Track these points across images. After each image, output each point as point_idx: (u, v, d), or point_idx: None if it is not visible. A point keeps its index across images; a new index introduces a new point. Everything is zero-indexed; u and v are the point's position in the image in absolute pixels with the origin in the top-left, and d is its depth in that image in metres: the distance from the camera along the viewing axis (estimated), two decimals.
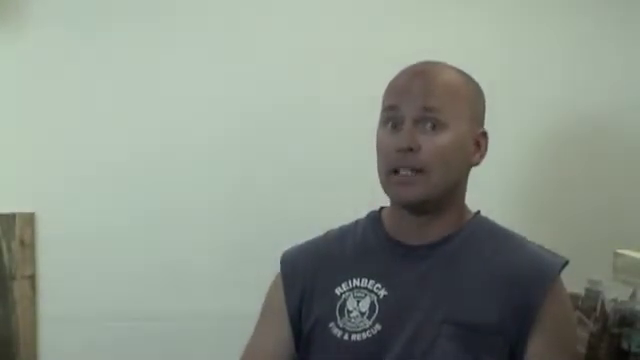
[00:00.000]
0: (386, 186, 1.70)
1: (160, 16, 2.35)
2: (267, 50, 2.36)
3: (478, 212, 1.77)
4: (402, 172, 1.66)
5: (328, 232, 1.82)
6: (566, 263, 1.68)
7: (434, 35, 2.35)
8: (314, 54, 2.36)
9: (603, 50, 2.42)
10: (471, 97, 1.71)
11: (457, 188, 1.72)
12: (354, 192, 2.22)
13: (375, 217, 1.78)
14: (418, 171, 1.65)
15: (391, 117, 1.69)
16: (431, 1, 2.40)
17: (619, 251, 1.96)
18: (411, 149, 1.64)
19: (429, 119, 1.65)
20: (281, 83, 2.35)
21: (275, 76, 2.35)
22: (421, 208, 1.69)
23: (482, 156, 1.72)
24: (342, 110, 2.33)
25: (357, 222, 1.80)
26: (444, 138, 1.66)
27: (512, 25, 2.40)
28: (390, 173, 1.67)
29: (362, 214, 1.81)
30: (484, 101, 1.75)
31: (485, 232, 1.73)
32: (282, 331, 1.75)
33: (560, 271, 1.67)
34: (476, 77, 1.75)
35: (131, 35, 2.34)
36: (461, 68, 1.75)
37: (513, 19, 2.41)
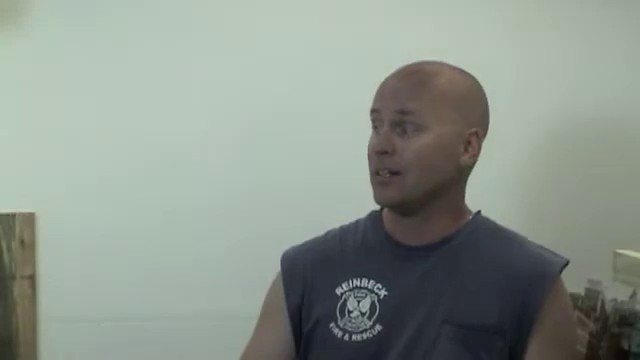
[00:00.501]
0: (372, 187, 1.70)
1: (162, 16, 2.35)
2: (269, 53, 2.36)
3: (478, 212, 1.77)
4: (381, 174, 1.67)
5: (328, 232, 1.82)
6: (567, 263, 1.68)
7: (434, 35, 2.35)
8: (315, 56, 2.36)
9: (604, 50, 2.42)
10: (460, 97, 1.69)
11: (447, 189, 1.70)
12: (354, 193, 2.21)
13: (376, 217, 1.78)
14: (395, 173, 1.66)
15: (374, 120, 1.70)
16: (431, 2, 2.40)
17: (619, 251, 1.95)
18: (386, 152, 1.65)
19: (406, 122, 1.65)
20: (281, 87, 2.35)
21: (276, 80, 2.35)
22: (403, 210, 1.69)
23: (473, 156, 1.70)
24: (342, 110, 2.33)
25: (357, 222, 1.80)
26: (421, 141, 1.65)
27: (512, 25, 2.40)
28: (372, 175, 1.69)
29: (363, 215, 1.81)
30: (480, 100, 1.73)
31: (485, 232, 1.73)
32: (282, 331, 1.75)
33: (561, 271, 1.67)
34: (476, 77, 1.75)
35: (132, 35, 2.34)
36: (460, 68, 1.74)
37: (513, 19, 2.41)
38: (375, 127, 1.69)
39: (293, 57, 2.36)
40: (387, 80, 1.71)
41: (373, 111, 1.70)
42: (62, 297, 2.33)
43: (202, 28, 2.35)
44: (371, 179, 1.69)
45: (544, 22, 2.40)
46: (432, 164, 1.66)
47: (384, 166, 1.66)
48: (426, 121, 1.65)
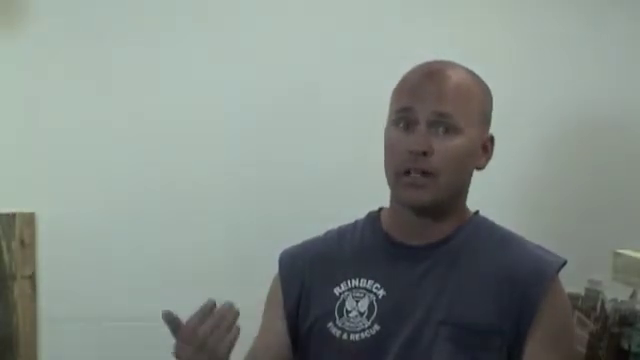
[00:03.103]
0: (395, 187, 1.69)
1: (161, 15, 2.35)
2: (269, 50, 2.36)
3: (477, 212, 1.77)
4: (412, 174, 1.65)
5: (327, 232, 1.81)
6: (564, 263, 1.68)
7: (434, 35, 2.35)
8: (315, 54, 2.36)
9: (605, 50, 2.42)
10: (482, 99, 1.71)
11: (462, 191, 1.72)
12: (353, 193, 2.23)
13: (374, 217, 1.78)
14: (428, 174, 1.65)
15: (403, 118, 1.67)
16: (431, 1, 2.40)
17: (619, 251, 1.96)
18: (425, 153, 1.64)
19: (442, 123, 1.65)
20: (283, 84, 2.35)
21: (275, 76, 2.35)
22: (428, 211, 1.69)
23: (488, 160, 1.72)
24: (342, 110, 2.34)
25: (356, 222, 1.80)
26: (456, 142, 1.65)
27: (513, 25, 2.41)
28: (400, 174, 1.67)
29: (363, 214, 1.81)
30: (492, 101, 1.74)
31: (484, 232, 1.73)
32: (282, 332, 1.74)
33: (558, 270, 1.67)
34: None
35: (132, 34, 2.34)
36: (470, 69, 1.74)
37: (514, 19, 2.41)
38: (405, 125, 1.67)
39: (295, 53, 2.36)
40: (413, 78, 1.69)
41: (404, 109, 1.67)
42: (62, 297, 2.33)
43: (201, 27, 2.36)
44: (397, 179, 1.67)
45: (544, 21, 2.40)
46: (462, 166, 1.67)
47: (418, 166, 1.64)
48: (461, 123, 1.65)
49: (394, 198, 1.72)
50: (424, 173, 1.64)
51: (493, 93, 1.77)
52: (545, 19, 2.41)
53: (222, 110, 2.36)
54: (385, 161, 1.70)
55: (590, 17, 2.42)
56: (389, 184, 1.70)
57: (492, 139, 1.73)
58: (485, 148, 1.71)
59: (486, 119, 1.72)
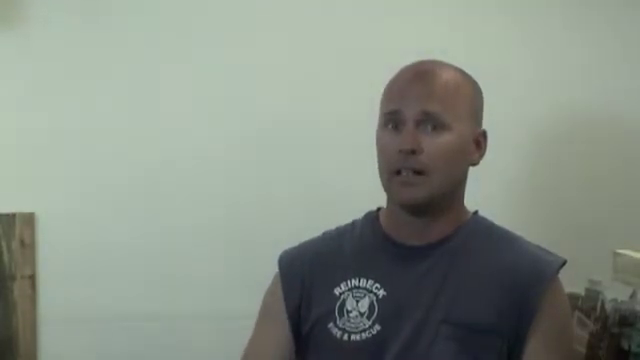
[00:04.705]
0: (388, 187, 1.70)
1: (162, 17, 2.35)
2: (268, 60, 2.35)
3: (476, 212, 1.77)
4: (404, 173, 1.66)
5: (325, 233, 1.82)
6: (564, 263, 1.69)
7: (435, 35, 2.35)
8: (314, 55, 2.36)
9: (603, 50, 2.42)
10: (470, 96, 1.72)
11: (457, 188, 1.72)
12: (354, 194, 2.22)
13: (373, 217, 1.78)
14: (419, 173, 1.66)
15: (392, 120, 1.69)
16: (431, 2, 2.40)
17: (619, 251, 1.95)
18: (414, 151, 1.65)
19: (430, 121, 1.66)
20: (281, 95, 2.35)
21: (276, 88, 2.35)
22: (423, 209, 1.69)
23: (481, 156, 1.73)
24: (342, 110, 2.34)
25: (354, 222, 1.80)
26: (445, 139, 1.66)
27: (513, 25, 2.41)
28: (392, 174, 1.68)
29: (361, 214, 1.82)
30: (482, 99, 1.75)
31: (483, 232, 1.74)
32: (282, 332, 1.75)
33: (558, 271, 1.68)
34: (476, 77, 1.76)
35: (133, 35, 2.34)
36: (460, 67, 1.75)
37: (514, 19, 2.41)
38: (394, 126, 1.68)
39: (292, 64, 2.36)
40: (399, 80, 1.71)
41: (393, 112, 1.68)
42: (62, 297, 2.33)
43: (203, 26, 2.35)
44: (389, 179, 1.68)
45: (543, 21, 2.40)
46: (454, 163, 1.68)
47: (409, 165, 1.66)
48: (449, 120, 1.66)
49: (389, 199, 1.73)
50: (415, 172, 1.65)
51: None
52: (543, 19, 2.41)
53: (224, 117, 2.35)
54: (378, 164, 1.71)
55: (588, 17, 2.42)
56: (383, 186, 1.71)
57: (485, 134, 1.73)
58: (478, 144, 1.72)
59: (476, 115, 1.73)
